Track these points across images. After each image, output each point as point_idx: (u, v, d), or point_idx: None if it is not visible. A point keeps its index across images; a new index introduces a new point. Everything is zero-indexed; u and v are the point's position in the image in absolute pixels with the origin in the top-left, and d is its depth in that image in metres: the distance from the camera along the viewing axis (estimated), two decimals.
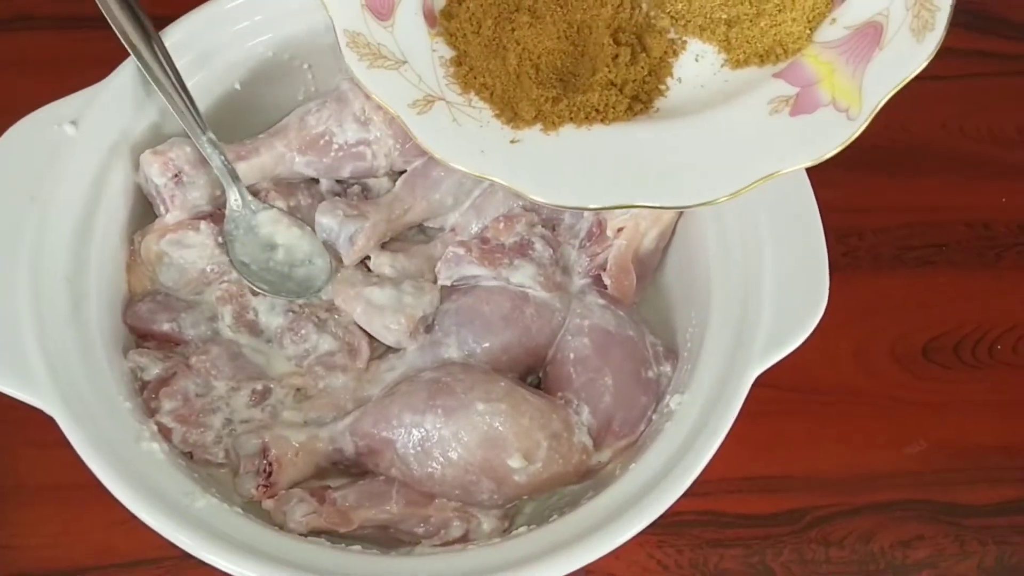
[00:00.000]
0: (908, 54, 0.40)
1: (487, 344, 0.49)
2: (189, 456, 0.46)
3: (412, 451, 0.45)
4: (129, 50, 0.49)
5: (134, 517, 0.43)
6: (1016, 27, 0.71)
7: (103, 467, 0.40)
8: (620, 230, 0.50)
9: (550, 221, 0.53)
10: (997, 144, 0.67)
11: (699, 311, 0.49)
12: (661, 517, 0.42)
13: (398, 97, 0.44)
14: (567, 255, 0.53)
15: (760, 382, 0.45)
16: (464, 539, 0.46)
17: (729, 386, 0.44)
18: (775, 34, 0.43)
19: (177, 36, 0.50)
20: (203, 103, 0.51)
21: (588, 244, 0.52)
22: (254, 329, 0.50)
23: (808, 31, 0.43)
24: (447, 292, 0.52)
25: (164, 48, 0.49)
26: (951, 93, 0.69)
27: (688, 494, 0.43)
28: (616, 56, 0.43)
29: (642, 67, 0.44)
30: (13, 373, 0.42)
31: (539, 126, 0.43)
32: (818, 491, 0.55)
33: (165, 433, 0.45)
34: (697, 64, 0.44)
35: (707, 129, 0.42)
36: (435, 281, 0.52)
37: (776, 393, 0.57)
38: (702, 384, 0.45)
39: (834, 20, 0.43)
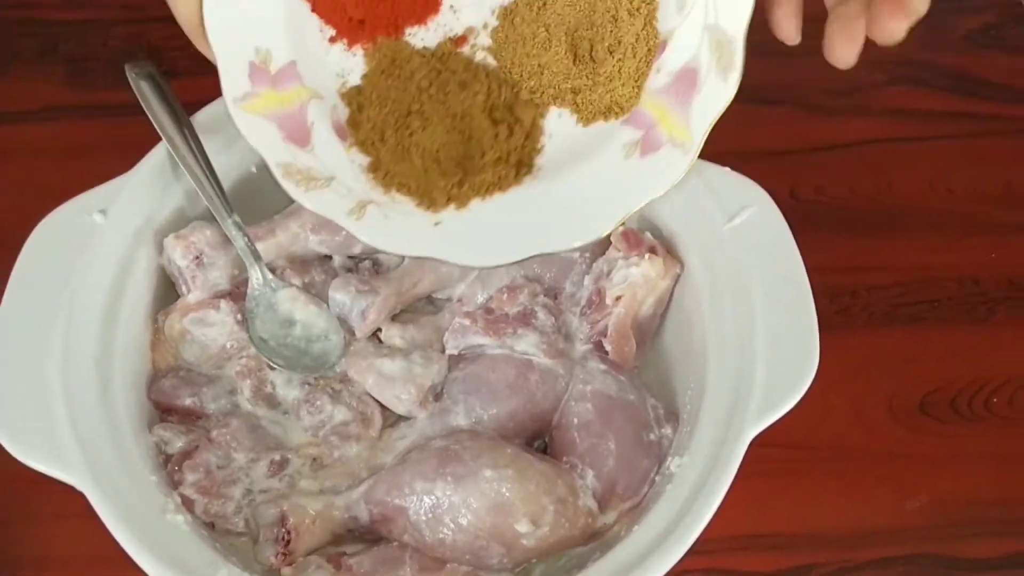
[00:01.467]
0: (719, 90, 0.48)
1: (494, 411, 0.51)
2: (211, 526, 0.48)
3: (424, 518, 0.47)
4: (162, 135, 0.52)
5: None
6: (996, 88, 0.74)
7: (130, 540, 0.43)
8: (618, 298, 0.53)
9: (552, 290, 0.56)
10: (983, 202, 0.70)
11: (696, 374, 0.51)
12: (668, 574, 0.44)
13: (337, 209, 0.50)
14: (569, 323, 0.55)
15: (760, 441, 0.47)
16: None
17: (726, 448, 0.46)
18: (611, 97, 0.50)
19: (201, 121, 0.54)
20: (228, 187, 0.54)
21: (588, 312, 0.54)
22: (272, 402, 0.52)
23: (636, 90, 0.50)
24: (455, 360, 0.54)
25: (194, 132, 0.53)
26: (936, 153, 0.72)
27: (694, 552, 0.45)
28: (496, 134, 0.51)
29: (518, 136, 0.51)
30: (47, 452, 0.44)
31: (452, 206, 0.51)
32: (821, 548, 0.56)
33: (188, 504, 0.48)
34: (560, 120, 0.52)
35: (580, 178, 0.51)
36: (443, 350, 0.54)
37: (777, 452, 0.58)
38: (701, 446, 0.47)
39: (659, 69, 0.50)
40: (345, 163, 0.51)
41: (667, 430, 0.51)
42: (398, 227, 0.50)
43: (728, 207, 0.53)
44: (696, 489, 0.46)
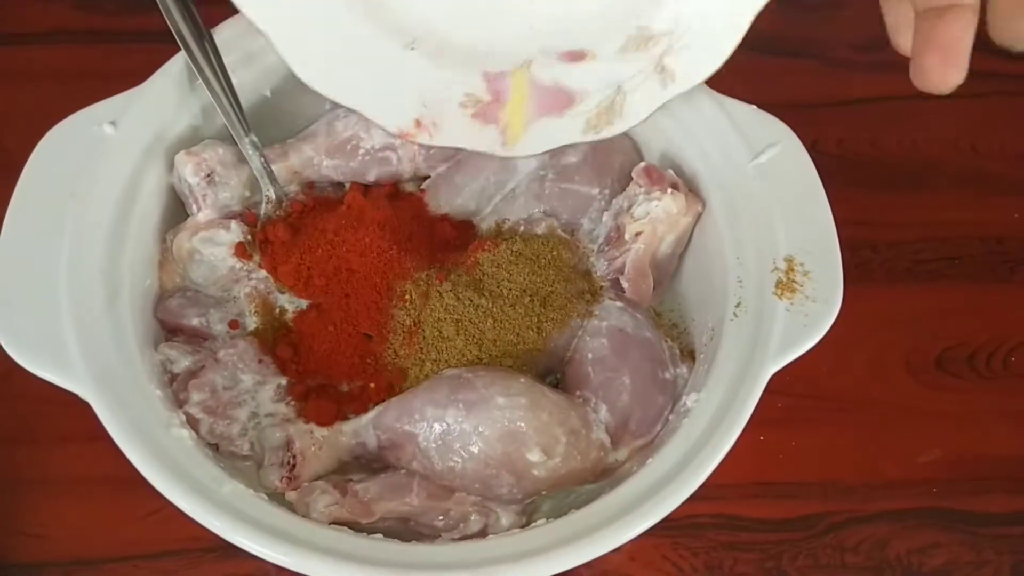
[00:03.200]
0: None
1: None
2: (215, 448, 0.47)
3: (433, 445, 0.46)
4: (181, 46, 0.51)
5: (157, 511, 0.44)
6: None
7: (135, 451, 0.42)
8: (638, 235, 0.52)
9: (569, 226, 0.55)
10: (1009, 162, 0.68)
11: (716, 316, 0.50)
12: (676, 519, 0.43)
13: None
14: (586, 259, 0.54)
15: (776, 389, 0.46)
16: (483, 533, 0.46)
17: (745, 384, 0.45)
18: None
19: (221, 36, 0.52)
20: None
21: (607, 248, 0.53)
22: None
23: None
24: None
25: (216, 47, 0.51)
26: (962, 112, 0.71)
27: (703, 498, 0.44)
28: None
29: None
30: (52, 360, 0.43)
31: None
32: (833, 498, 0.56)
33: (193, 424, 0.47)
34: None
35: None
36: None
37: (791, 400, 0.58)
38: (719, 382, 0.46)
39: None
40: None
41: (683, 369, 0.50)
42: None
43: (753, 144, 0.51)
44: (712, 425, 0.45)
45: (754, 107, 0.53)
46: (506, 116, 0.52)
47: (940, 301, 0.63)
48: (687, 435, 0.45)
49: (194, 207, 0.52)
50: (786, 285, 0.47)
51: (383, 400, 0.49)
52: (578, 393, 0.49)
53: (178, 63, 0.52)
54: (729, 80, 0.56)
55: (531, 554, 0.42)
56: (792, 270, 0.48)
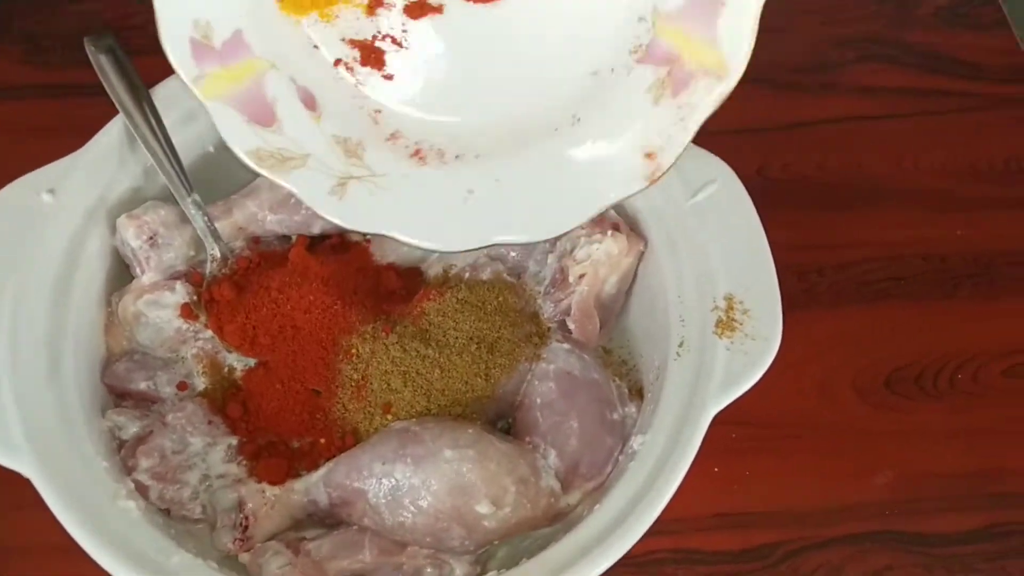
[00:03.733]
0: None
1: None
2: (166, 513, 0.47)
3: (383, 500, 0.46)
4: (120, 110, 0.51)
5: None
6: (966, 66, 0.74)
7: (78, 528, 0.42)
8: (581, 276, 0.52)
9: (516, 269, 0.55)
10: (952, 179, 0.70)
11: (661, 352, 0.50)
12: (634, 556, 0.43)
13: (318, 190, 0.47)
14: (533, 301, 0.54)
15: (727, 419, 0.46)
16: None
17: (688, 425, 0.46)
18: None
19: (160, 96, 0.52)
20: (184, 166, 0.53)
21: (552, 291, 0.54)
22: None
23: None
24: None
25: (154, 108, 0.51)
26: (905, 131, 0.72)
27: (660, 532, 0.44)
28: None
29: None
30: None
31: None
32: (788, 525, 0.56)
33: (142, 491, 0.47)
34: None
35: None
36: None
37: (743, 430, 0.58)
38: (663, 424, 0.47)
39: None
40: (318, 136, 0.48)
41: (631, 409, 0.51)
42: (383, 203, 0.47)
43: (691, 183, 0.52)
44: (658, 467, 0.45)
45: (690, 143, 0.54)
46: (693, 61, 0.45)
47: (887, 321, 0.63)
48: (634, 478, 0.46)
49: (138, 270, 0.52)
50: (726, 324, 0.48)
51: (334, 455, 0.49)
52: (528, 439, 0.50)
53: (117, 125, 0.52)
54: None
55: None
56: (732, 308, 0.49)
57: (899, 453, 0.59)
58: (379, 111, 0.49)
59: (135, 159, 0.53)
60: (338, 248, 0.55)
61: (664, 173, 0.46)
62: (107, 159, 0.52)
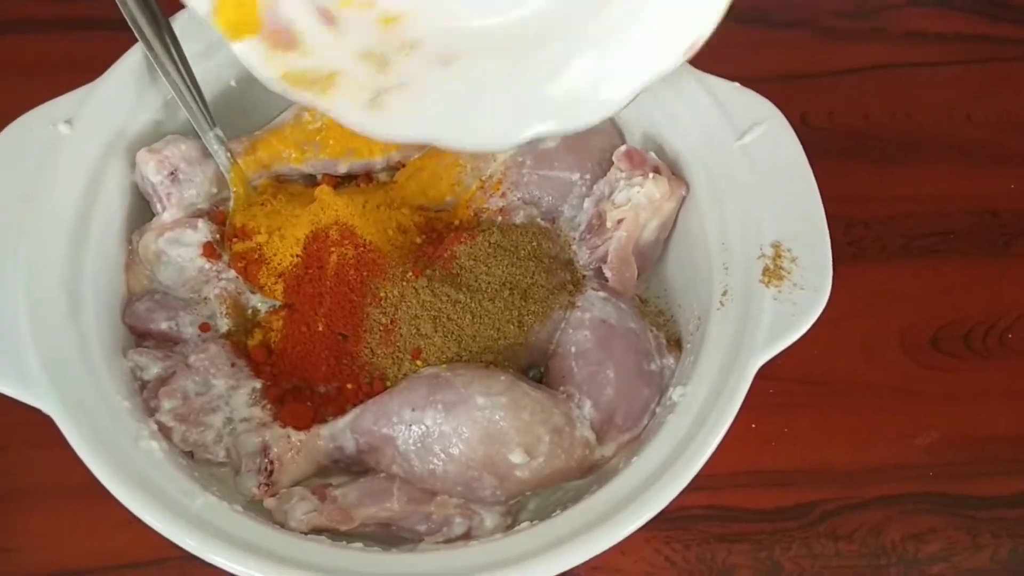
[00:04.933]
0: None
1: None
2: (190, 455, 0.46)
3: (413, 448, 0.45)
4: (139, 39, 0.48)
5: (134, 519, 0.43)
6: (1021, 10, 0.70)
7: (101, 466, 0.40)
8: (620, 221, 0.50)
9: (549, 214, 0.53)
10: (1004, 130, 0.66)
11: (701, 302, 0.48)
12: (667, 512, 0.42)
13: (353, 106, 0.46)
14: (568, 247, 0.52)
15: (767, 375, 0.44)
16: (467, 536, 0.45)
17: (732, 377, 0.44)
18: None
19: (180, 26, 0.50)
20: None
21: (588, 237, 0.51)
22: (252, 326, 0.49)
23: None
24: None
25: (176, 39, 0.49)
26: (956, 80, 0.69)
27: (694, 488, 0.43)
28: None
29: None
30: (10, 374, 0.41)
31: None
32: (827, 484, 0.54)
33: (165, 432, 0.45)
34: None
35: None
36: None
37: (783, 385, 0.56)
38: (705, 376, 0.45)
39: None
40: (342, 52, 0.46)
41: (669, 360, 0.49)
42: (419, 111, 0.46)
43: (738, 124, 0.49)
44: (699, 421, 0.43)
45: (737, 84, 0.51)
46: None
47: (935, 277, 0.61)
48: (674, 431, 0.44)
49: (159, 206, 0.50)
50: (773, 272, 0.46)
51: (361, 401, 0.47)
52: (561, 388, 0.48)
53: (136, 55, 0.50)
54: (712, 53, 0.54)
55: (517, 560, 0.40)
56: (779, 256, 0.46)
57: (944, 414, 0.57)
58: (397, 18, 0.46)
59: (155, 90, 0.51)
60: (365, 190, 0.53)
61: (703, 44, 0.44)
62: (126, 89, 0.50)
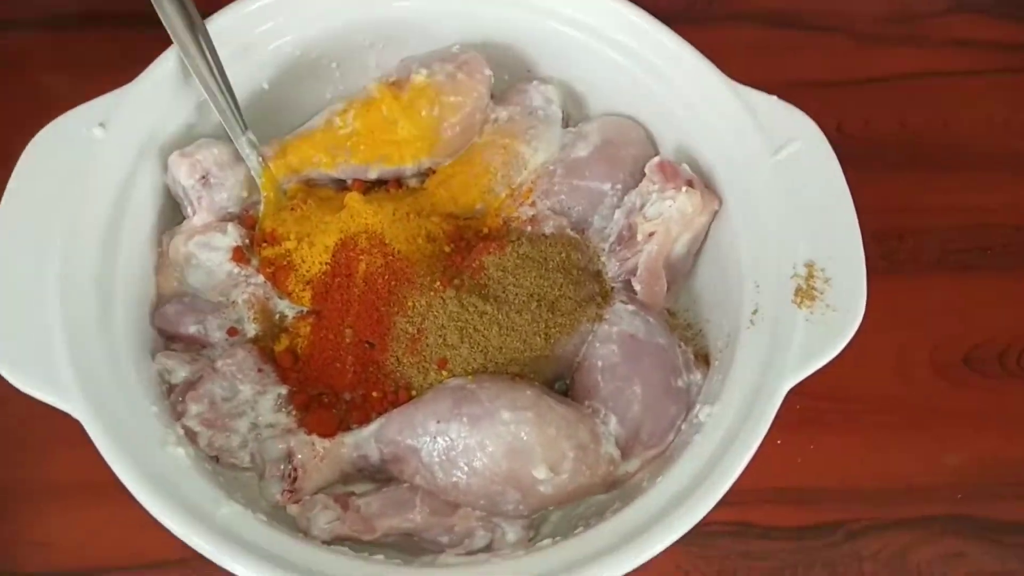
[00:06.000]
0: None
1: None
2: (215, 460, 0.46)
3: (437, 460, 0.45)
4: (174, 40, 0.48)
5: None
6: None
7: (127, 471, 0.41)
8: (651, 235, 0.49)
9: (579, 224, 0.52)
10: None
11: (731, 319, 0.48)
12: None
13: None
14: (596, 259, 0.52)
15: (794, 390, 0.44)
16: (488, 549, 0.45)
17: (761, 399, 0.43)
18: None
19: (214, 29, 0.50)
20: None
21: (619, 248, 0.51)
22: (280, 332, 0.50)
23: None
24: None
25: (210, 41, 0.49)
26: (997, 88, 0.67)
27: (718, 504, 0.42)
28: None
29: None
30: (41, 377, 0.42)
31: None
32: (852, 504, 0.54)
33: (191, 437, 0.45)
34: None
35: None
36: None
37: (811, 402, 0.55)
38: (733, 396, 0.44)
39: None
40: None
41: (697, 376, 0.48)
42: None
43: (774, 138, 0.49)
44: (727, 441, 0.43)
45: (775, 98, 0.50)
46: None
47: (970, 293, 0.60)
48: (700, 452, 0.43)
49: (189, 210, 0.50)
50: (806, 292, 0.45)
51: (386, 410, 0.47)
52: (587, 403, 0.47)
53: (170, 58, 0.50)
54: (746, 58, 0.53)
55: None
56: (812, 276, 0.46)
57: (975, 434, 0.56)
58: None
59: (188, 93, 0.51)
60: (395, 197, 0.53)
61: None
62: (159, 93, 0.50)
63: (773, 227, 0.47)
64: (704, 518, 0.42)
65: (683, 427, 0.47)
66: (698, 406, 0.47)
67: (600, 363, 0.48)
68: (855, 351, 0.49)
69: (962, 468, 0.55)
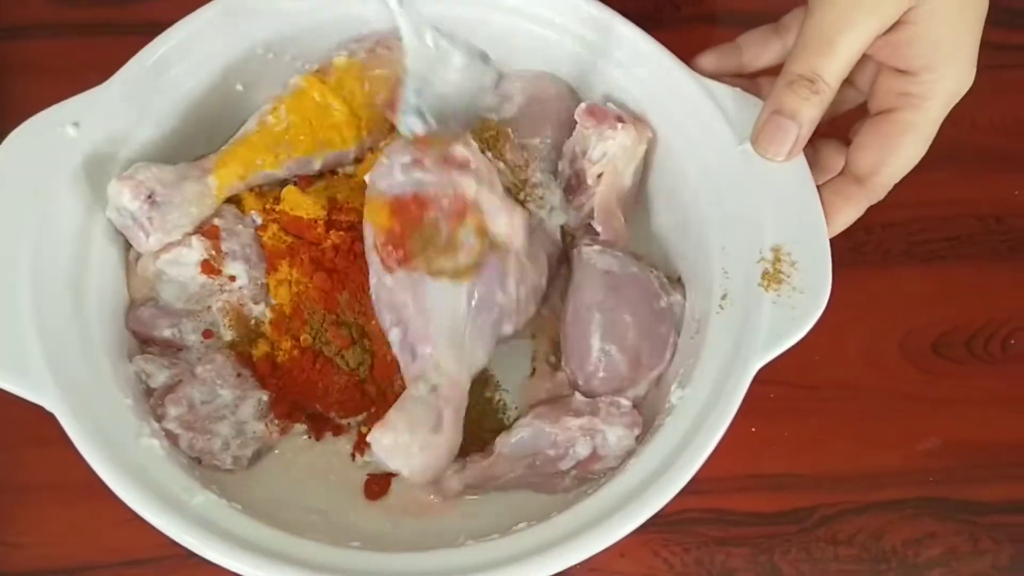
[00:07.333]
0: None
1: None
2: (197, 462, 0.46)
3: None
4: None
5: (138, 515, 0.43)
6: None
7: (102, 463, 0.41)
8: (600, 176, 0.51)
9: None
10: (1010, 136, 0.66)
11: (702, 305, 0.49)
12: (666, 515, 0.42)
13: None
14: (545, 220, 0.52)
15: (767, 379, 0.44)
16: (594, 457, 0.47)
17: (731, 380, 0.44)
18: None
19: (180, 37, 0.51)
20: (208, 107, 0.52)
21: (571, 198, 0.53)
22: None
23: None
24: None
25: None
26: None
27: (694, 491, 0.43)
28: None
29: None
30: (14, 369, 0.42)
31: None
32: (826, 489, 0.54)
33: (172, 439, 0.46)
34: None
35: None
36: None
37: (784, 390, 0.56)
38: (704, 379, 0.45)
39: None
40: None
41: (676, 296, 0.51)
42: None
43: (740, 129, 0.50)
44: (697, 423, 0.43)
45: (738, 90, 0.51)
46: None
47: (937, 283, 0.61)
48: (671, 434, 0.44)
49: (141, 236, 0.48)
50: (772, 276, 0.46)
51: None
52: (587, 340, 0.49)
53: (144, 58, 0.50)
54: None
55: (513, 560, 0.41)
56: (779, 260, 0.46)
57: (945, 419, 0.57)
58: None
59: (160, 95, 0.51)
60: (330, 183, 0.53)
61: None
62: (133, 93, 0.50)
63: (740, 214, 0.48)
64: (680, 506, 0.42)
65: (678, 343, 0.49)
66: (671, 391, 0.47)
67: (586, 304, 0.49)
68: (827, 340, 0.50)
69: (933, 452, 0.56)
